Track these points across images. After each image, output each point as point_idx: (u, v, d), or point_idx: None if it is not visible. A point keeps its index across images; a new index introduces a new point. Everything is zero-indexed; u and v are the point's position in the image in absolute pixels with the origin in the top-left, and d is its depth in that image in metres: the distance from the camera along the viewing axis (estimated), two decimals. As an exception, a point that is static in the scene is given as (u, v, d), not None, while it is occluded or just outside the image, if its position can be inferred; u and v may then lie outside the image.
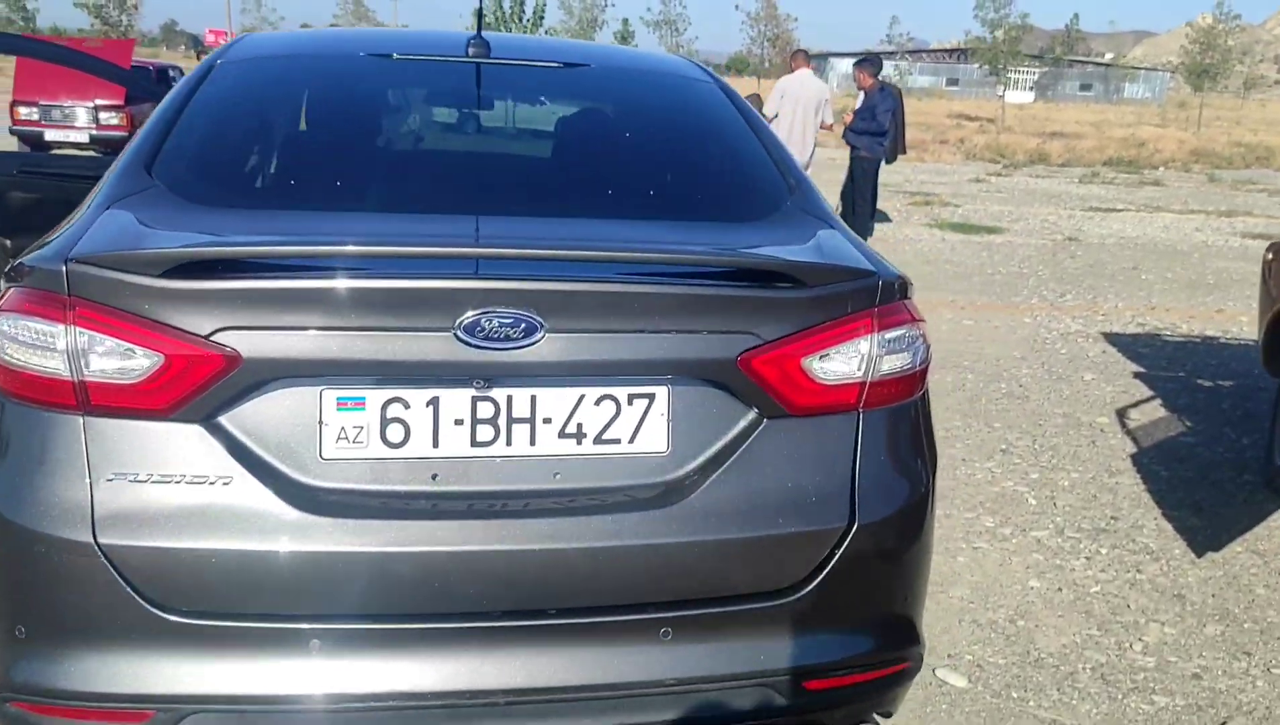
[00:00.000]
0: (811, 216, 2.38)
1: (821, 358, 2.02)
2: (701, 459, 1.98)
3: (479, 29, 2.92)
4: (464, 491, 1.91)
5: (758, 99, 11.24)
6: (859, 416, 2.07)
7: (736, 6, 55.66)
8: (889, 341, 2.09)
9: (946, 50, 77.63)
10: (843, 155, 11.19)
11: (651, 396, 1.95)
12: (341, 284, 1.81)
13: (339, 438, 1.86)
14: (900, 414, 2.14)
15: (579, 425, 1.93)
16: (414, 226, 2.12)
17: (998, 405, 5.66)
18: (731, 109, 2.86)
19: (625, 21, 75.11)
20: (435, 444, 1.89)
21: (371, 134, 2.67)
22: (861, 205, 10.65)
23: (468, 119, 2.98)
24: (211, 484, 1.82)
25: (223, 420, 1.83)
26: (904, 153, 11.89)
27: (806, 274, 2.00)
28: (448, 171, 2.62)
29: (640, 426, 1.95)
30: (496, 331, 1.84)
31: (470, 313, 1.83)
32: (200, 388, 1.81)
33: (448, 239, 2.03)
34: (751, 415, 2.00)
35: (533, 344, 1.86)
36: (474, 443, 1.90)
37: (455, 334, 1.83)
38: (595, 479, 1.95)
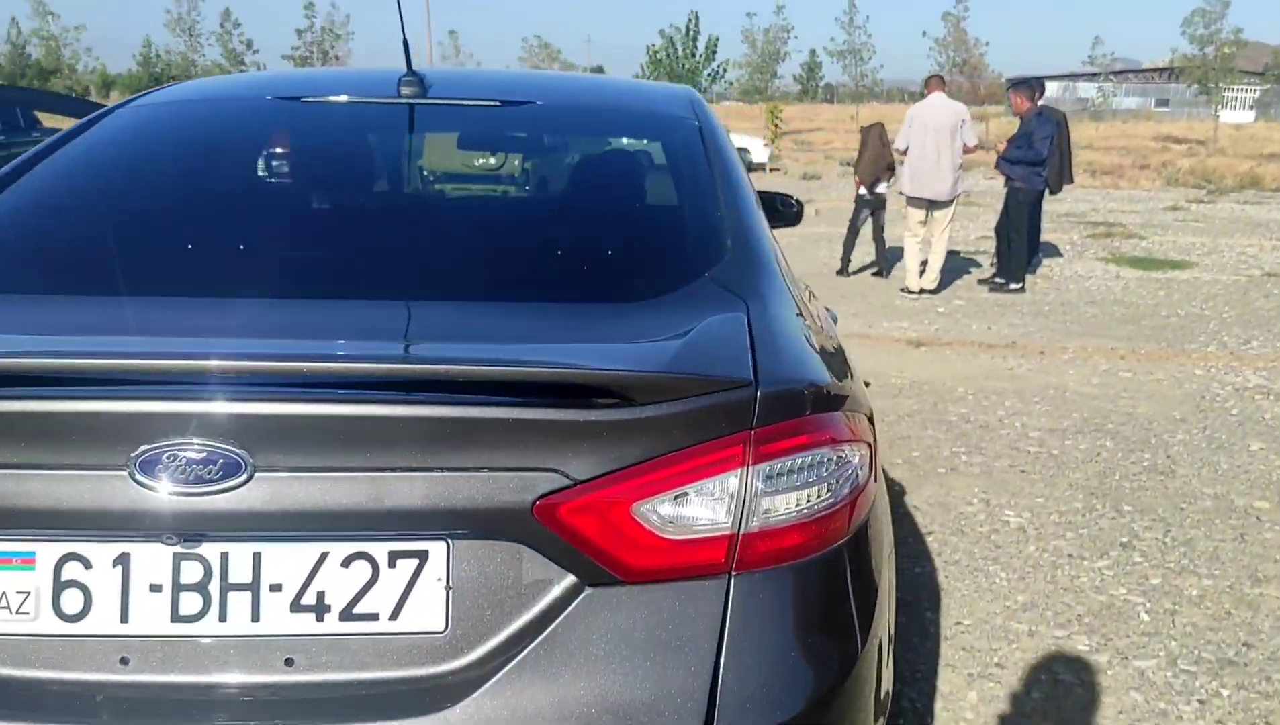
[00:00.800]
0: (730, 292, 1.81)
1: (666, 501, 1.44)
2: (493, 643, 1.44)
3: (408, 65, 2.49)
4: (164, 682, 1.42)
5: (881, 128, 10.47)
6: (729, 583, 1.47)
7: (924, 33, 54.13)
8: (778, 475, 1.50)
9: (1156, 70, 73.16)
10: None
11: (422, 556, 1.42)
12: None
13: None
14: (803, 576, 1.53)
15: (319, 594, 1.42)
16: (149, 318, 1.66)
17: (1133, 482, 4.79)
18: (696, 155, 2.32)
19: (812, 53, 74.45)
20: (125, 618, 1.41)
21: (195, 197, 2.25)
22: (1017, 241, 9.70)
23: (349, 172, 2.52)
24: None
25: None
26: (1070, 182, 10.86)
27: (636, 387, 1.43)
28: (281, 243, 2.13)
29: (406, 597, 1.42)
30: (184, 470, 1.36)
31: (146, 447, 1.36)
32: None
33: (153, 343, 1.55)
34: (566, 583, 1.44)
35: (238, 487, 1.37)
36: (176, 616, 1.41)
37: (131, 473, 1.36)
38: (344, 668, 1.43)
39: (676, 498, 1.44)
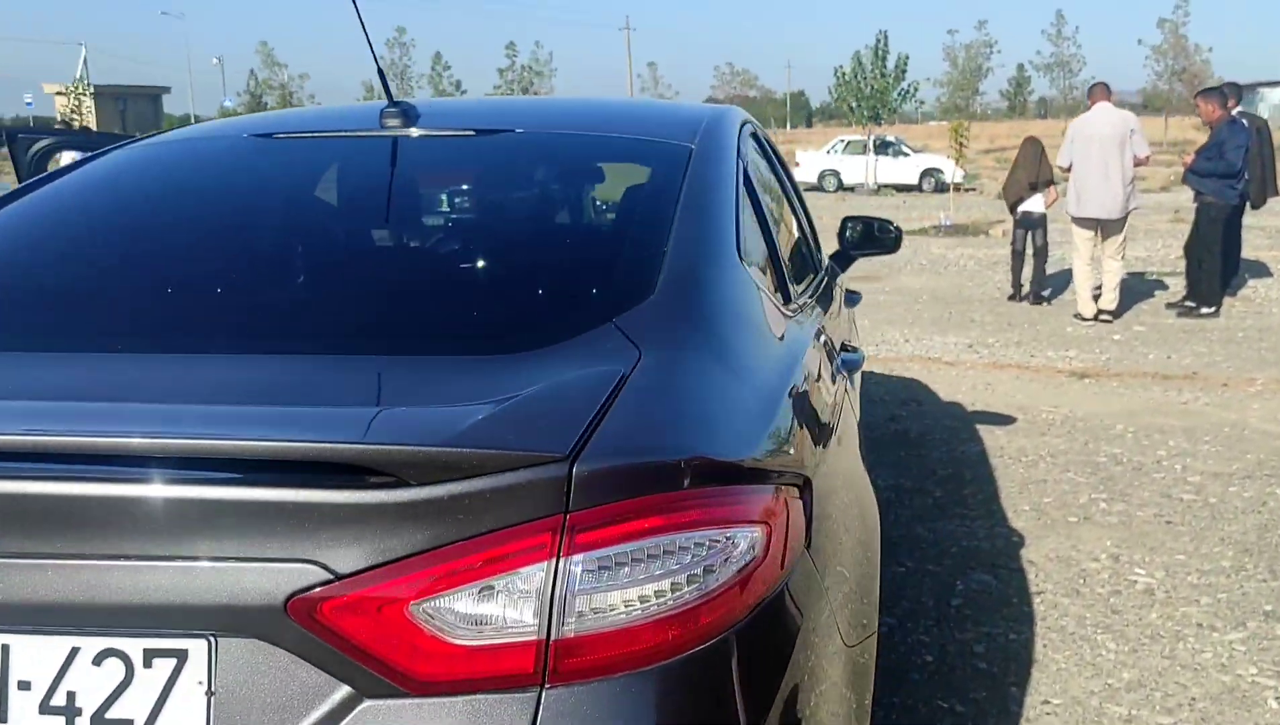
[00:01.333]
0: (629, 342, 1.56)
1: (455, 599, 1.23)
2: None
3: (388, 96, 2.38)
4: None
5: (1032, 143, 9.77)
6: (539, 697, 1.24)
7: (1139, 41, 51.00)
8: (608, 567, 1.26)
9: None
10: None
11: (181, 655, 1.25)
12: None
13: None
14: (637, 691, 1.27)
15: (70, 695, 1.26)
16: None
17: (1300, 538, 4.17)
18: (666, 186, 2.10)
19: (1020, 67, 71.54)
20: None
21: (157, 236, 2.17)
22: (1208, 260, 8.85)
23: (260, 211, 2.36)
24: None
25: None
26: (1276, 195, 9.84)
27: (407, 464, 1.22)
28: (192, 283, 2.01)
29: (164, 702, 1.25)
30: None
31: None
32: None
33: None
34: (341, 694, 1.23)
35: None
36: None
37: None
38: None
39: (468, 595, 1.22)
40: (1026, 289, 10.02)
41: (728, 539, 1.34)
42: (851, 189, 29.72)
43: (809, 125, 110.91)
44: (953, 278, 12.09)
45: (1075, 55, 46.77)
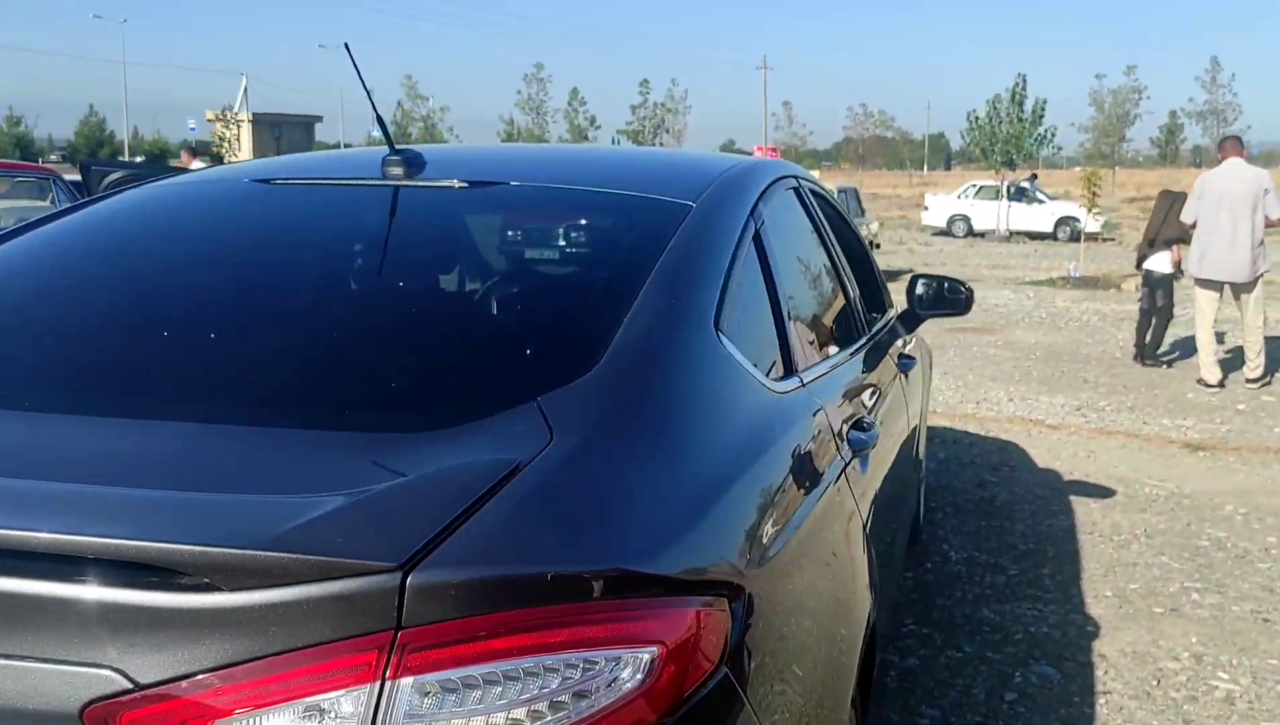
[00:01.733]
0: (544, 424, 1.42)
1: (266, 719, 1.11)
2: None
3: (389, 143, 2.32)
4: None
5: (1169, 196, 9.23)
6: None
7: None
8: (441, 689, 1.13)
9: None
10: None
11: None
12: None
13: None
14: None
15: None
16: None
17: None
18: (646, 248, 1.96)
19: (1172, 114, 68.93)
20: None
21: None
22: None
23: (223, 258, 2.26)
24: None
25: None
26: None
27: (213, 568, 1.11)
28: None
29: None
30: None
31: None
32: None
33: None
34: None
35: None
36: None
37: None
38: None
39: (282, 715, 1.10)
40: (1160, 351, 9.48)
41: (610, 660, 1.20)
42: (981, 235, 28.89)
43: (948, 168, 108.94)
44: (1072, 333, 11.56)
45: (1230, 104, 44.72)
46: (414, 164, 2.29)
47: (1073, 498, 5.58)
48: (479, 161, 2.65)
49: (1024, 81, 31.35)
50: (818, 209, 3.00)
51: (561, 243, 2.35)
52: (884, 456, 2.67)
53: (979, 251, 24.35)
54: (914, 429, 3.63)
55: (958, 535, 4.96)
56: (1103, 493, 5.66)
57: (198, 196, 2.43)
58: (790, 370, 2.12)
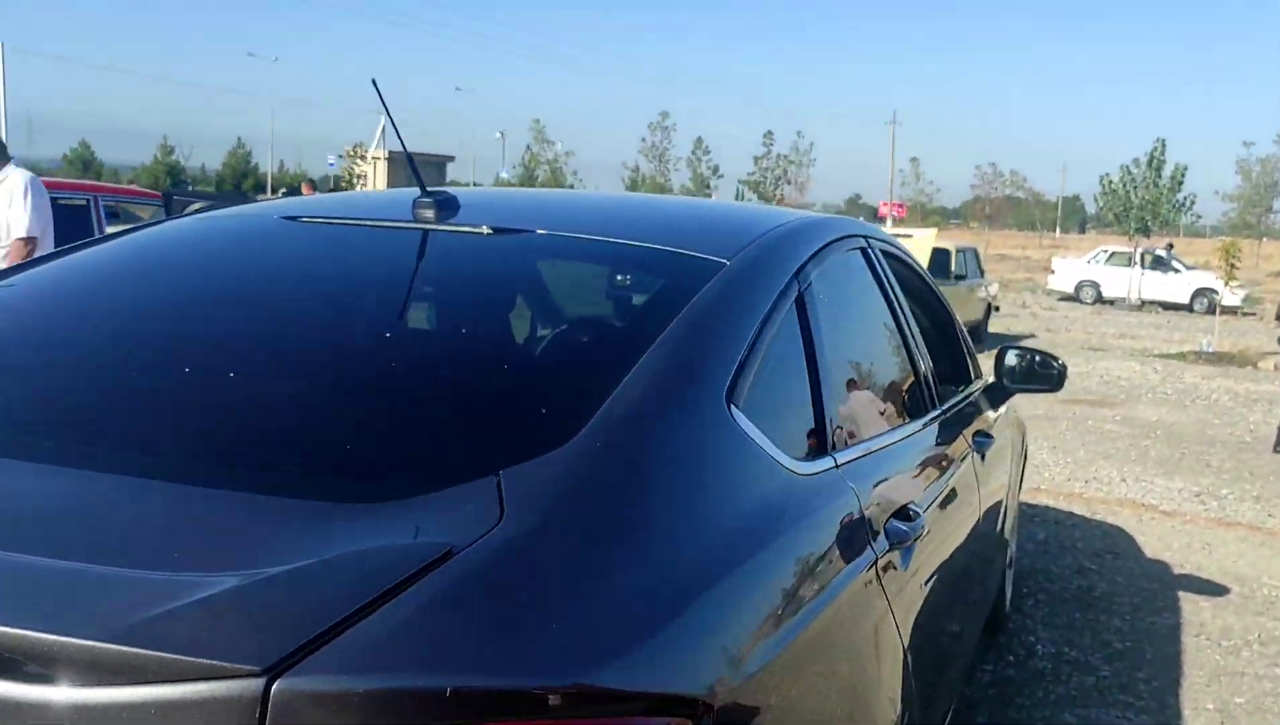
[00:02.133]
0: (494, 502, 1.27)
1: None
2: None
3: (420, 185, 2.23)
4: None
5: None
6: None
7: None
8: None
9: None
10: None
11: None
12: None
13: None
14: None
15: None
16: None
17: None
18: (661, 310, 1.80)
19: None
20: None
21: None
22: None
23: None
24: None
25: None
26: None
27: (68, 661, 0.98)
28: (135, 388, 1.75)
29: None
30: None
31: None
32: None
33: None
34: None
35: None
36: None
37: None
38: None
39: None
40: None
41: None
42: (1111, 302, 27.77)
43: (1082, 231, 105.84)
44: (1199, 412, 10.89)
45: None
46: (445, 207, 2.19)
47: (1181, 593, 5.15)
48: (513, 207, 2.54)
49: (1163, 146, 30.21)
50: (888, 272, 2.79)
51: (575, 298, 2.21)
52: (941, 546, 2.42)
53: (1106, 319, 23.41)
54: (992, 509, 3.35)
55: (1047, 627, 4.61)
56: (1215, 590, 5.22)
57: (217, 231, 2.36)
58: (824, 449, 1.92)
